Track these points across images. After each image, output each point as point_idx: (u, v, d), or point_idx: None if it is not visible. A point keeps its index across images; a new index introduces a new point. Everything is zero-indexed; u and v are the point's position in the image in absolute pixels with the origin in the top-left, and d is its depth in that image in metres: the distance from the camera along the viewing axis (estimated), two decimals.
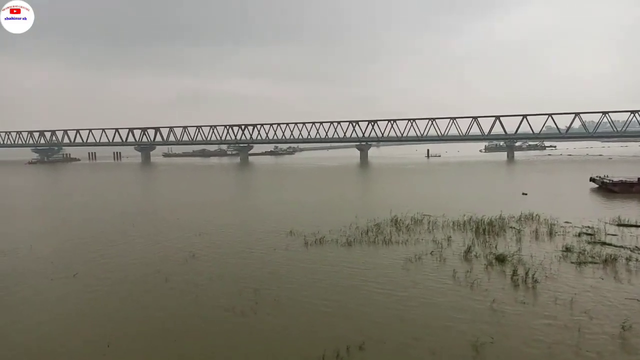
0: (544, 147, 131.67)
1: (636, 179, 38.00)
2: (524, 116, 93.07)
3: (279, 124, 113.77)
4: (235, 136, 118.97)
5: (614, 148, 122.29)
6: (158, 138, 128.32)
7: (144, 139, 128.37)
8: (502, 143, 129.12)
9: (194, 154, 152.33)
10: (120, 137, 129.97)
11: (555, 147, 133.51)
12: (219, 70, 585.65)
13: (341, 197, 41.94)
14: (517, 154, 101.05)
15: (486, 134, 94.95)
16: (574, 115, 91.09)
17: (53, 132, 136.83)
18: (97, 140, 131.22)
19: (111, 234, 26.88)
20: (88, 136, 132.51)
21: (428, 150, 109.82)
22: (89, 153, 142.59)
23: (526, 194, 38.91)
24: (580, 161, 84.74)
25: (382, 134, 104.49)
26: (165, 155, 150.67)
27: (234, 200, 42.48)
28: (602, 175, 42.16)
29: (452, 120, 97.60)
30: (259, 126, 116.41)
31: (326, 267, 19.11)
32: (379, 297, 15.38)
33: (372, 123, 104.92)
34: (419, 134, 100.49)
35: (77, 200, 44.01)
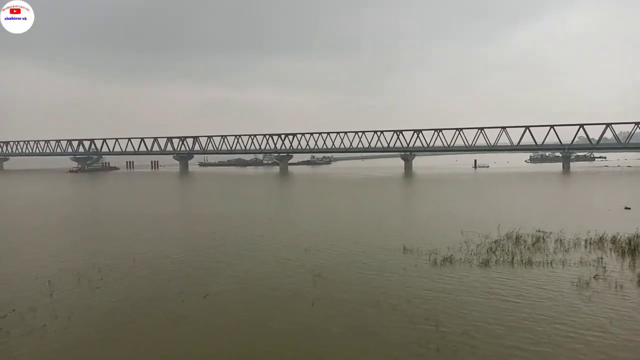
0: (593, 158, 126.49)
1: None
2: (581, 125, 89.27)
3: (320, 133, 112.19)
4: (275, 145, 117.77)
5: None
6: (196, 147, 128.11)
7: (182, 148, 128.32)
8: (547, 154, 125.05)
9: (229, 163, 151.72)
10: (159, 146, 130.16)
11: (605, 157, 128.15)
12: (244, 80, 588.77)
13: (419, 209, 39.61)
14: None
15: (540, 143, 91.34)
16: (634, 125, 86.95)
17: (92, 141, 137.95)
18: (136, 149, 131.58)
19: (215, 249, 25.10)
20: (127, 145, 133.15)
21: (475, 160, 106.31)
22: (126, 162, 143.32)
23: (629, 209, 35.90)
24: None
25: (428, 144, 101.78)
26: (202, 164, 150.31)
27: (311, 212, 40.38)
28: None
29: (502, 130, 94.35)
30: (299, 135, 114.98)
31: (485, 293, 16.79)
32: (596, 341, 12.95)
33: (417, 132, 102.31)
34: (466, 143, 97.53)
35: (149, 211, 42.62)
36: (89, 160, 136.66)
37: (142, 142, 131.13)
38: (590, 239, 24.58)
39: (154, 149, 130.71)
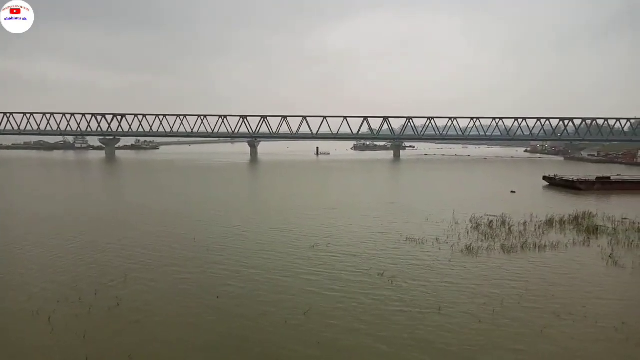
0: (404, 147, 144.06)
1: (594, 178, 44.26)
2: (409, 118, 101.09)
3: (156, 116, 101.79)
4: (99, 125, 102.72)
5: (457, 149, 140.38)
6: None
7: None
8: (368, 142, 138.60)
9: (27, 147, 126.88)
10: None
11: (414, 147, 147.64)
12: (28, 50, 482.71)
13: (340, 197, 39.33)
14: (387, 152, 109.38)
15: (375, 133, 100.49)
16: (448, 119, 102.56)
17: None
18: None
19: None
20: None
21: (317, 148, 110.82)
22: None
23: (514, 192, 41.85)
24: (464, 161, 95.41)
25: (273, 131, 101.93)
26: None
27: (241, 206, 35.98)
28: (553, 175, 48.14)
29: (344, 119, 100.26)
30: (129, 117, 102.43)
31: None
32: None
33: (263, 118, 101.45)
34: (312, 131, 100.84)
35: None
36: None
37: None
38: (541, 221, 27.67)
39: None
